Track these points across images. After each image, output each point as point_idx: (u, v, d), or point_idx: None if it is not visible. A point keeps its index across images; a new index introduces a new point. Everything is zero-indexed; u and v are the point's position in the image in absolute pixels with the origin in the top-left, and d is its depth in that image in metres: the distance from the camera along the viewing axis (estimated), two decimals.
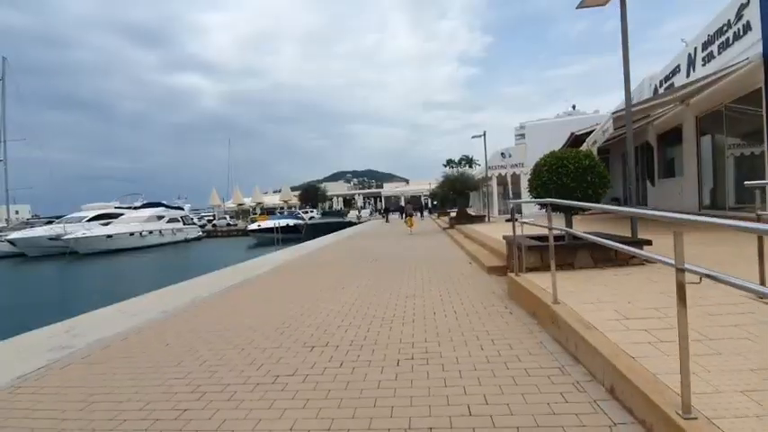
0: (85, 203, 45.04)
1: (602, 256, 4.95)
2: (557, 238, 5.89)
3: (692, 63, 10.28)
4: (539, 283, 4.34)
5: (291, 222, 32.33)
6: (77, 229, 31.13)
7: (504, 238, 6.35)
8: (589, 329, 2.90)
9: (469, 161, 68.05)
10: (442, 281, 6.35)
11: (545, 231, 5.66)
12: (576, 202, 4.25)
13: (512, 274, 4.95)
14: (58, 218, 39.15)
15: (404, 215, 25.46)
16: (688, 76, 10.38)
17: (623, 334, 2.79)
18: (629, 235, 5.64)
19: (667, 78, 11.69)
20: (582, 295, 3.72)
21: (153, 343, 4.17)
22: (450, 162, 68.75)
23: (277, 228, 24.00)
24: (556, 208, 5.51)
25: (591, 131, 13.14)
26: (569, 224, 5.51)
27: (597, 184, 5.13)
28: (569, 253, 4.98)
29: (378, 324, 4.19)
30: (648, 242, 4.89)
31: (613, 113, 8.16)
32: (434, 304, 4.87)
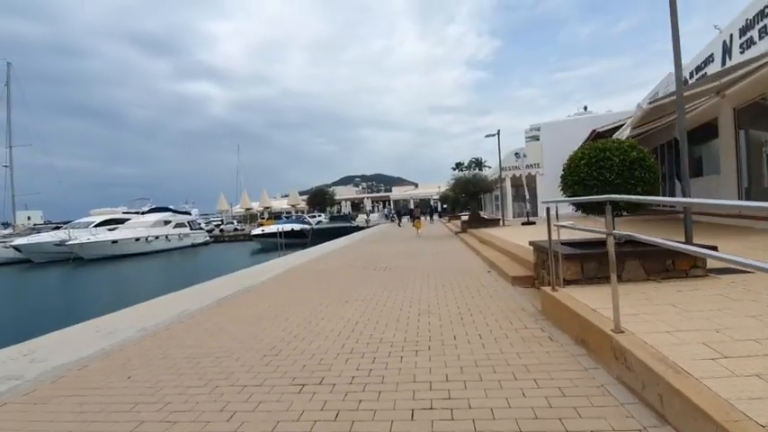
0: (104, 209, 44.89)
1: (655, 267, 4.11)
2: (594, 243, 5.08)
3: (727, 51, 9.35)
4: (583, 300, 3.53)
5: (297, 227, 31.63)
6: (83, 235, 30.87)
7: (532, 243, 5.54)
8: (679, 375, 2.08)
9: (479, 163, 66.95)
10: (460, 293, 5.54)
11: (581, 236, 4.85)
12: (655, 198, 3.42)
13: (546, 288, 4.13)
14: (66, 223, 39.08)
15: (412, 218, 25.89)
16: (723, 65, 9.45)
17: (730, 382, 1.98)
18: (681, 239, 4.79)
19: (699, 69, 10.74)
20: (649, 319, 2.90)
21: (114, 374, 3.44)
22: (459, 165, 67.72)
23: (280, 233, 23.27)
24: (593, 209, 4.72)
25: (615, 128, 12.24)
26: (612, 227, 4.68)
27: (647, 180, 4.31)
28: (616, 262, 4.14)
29: (385, 352, 3.41)
30: (714, 248, 4.03)
31: (650, 102, 7.31)
32: (453, 324, 4.07)
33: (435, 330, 3.90)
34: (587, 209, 4.78)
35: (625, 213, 4.71)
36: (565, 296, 3.73)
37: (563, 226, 3.99)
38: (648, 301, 3.35)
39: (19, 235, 35.32)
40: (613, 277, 2.75)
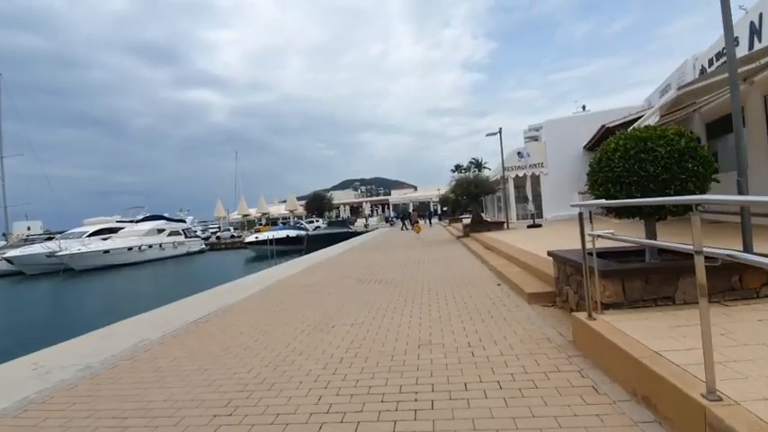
0: (98, 218, 43.97)
1: (718, 285, 3.24)
2: (628, 253, 4.22)
3: (755, 32, 8.52)
4: (635, 334, 2.66)
5: (293, 233, 30.74)
6: (74, 245, 30.02)
7: (552, 254, 4.67)
8: None
9: (478, 165, 66.07)
10: (467, 314, 4.67)
11: (611, 244, 3.99)
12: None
13: (579, 315, 3.26)
14: (61, 233, 38.26)
15: (411, 222, 26.02)
16: (751, 48, 8.62)
17: None
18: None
19: (719, 55, 9.92)
20: (747, 372, 2.02)
21: None
22: (458, 167, 66.84)
23: (271, 240, 22.33)
24: (628, 212, 3.86)
25: (627, 122, 11.40)
26: (653, 235, 3.83)
27: (701, 174, 3.45)
28: (666, 280, 3.28)
29: (373, 412, 2.53)
30: None
31: (679, 88, 6.47)
32: (462, 362, 3.20)
33: (439, 373, 3.03)
34: (621, 212, 3.92)
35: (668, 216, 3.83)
36: (607, 328, 2.85)
37: (600, 236, 3.12)
38: (730, 339, 2.47)
39: (12, 247, 34.45)
40: (703, 305, 1.87)
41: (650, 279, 3.28)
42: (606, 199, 3.63)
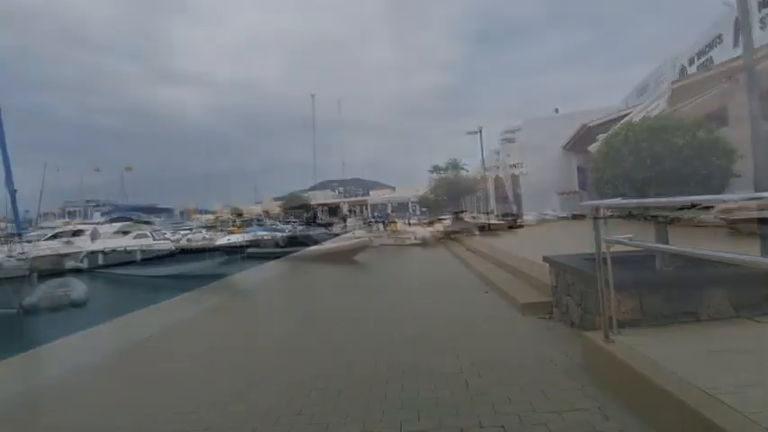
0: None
1: (747, 298, 2.80)
2: (637, 258, 3.78)
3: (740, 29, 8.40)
4: (666, 362, 2.16)
5: (267, 235, 29.62)
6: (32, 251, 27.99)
7: (548, 260, 4.19)
8: None
9: (456, 165, 66.24)
10: (457, 328, 4.11)
11: (618, 249, 3.52)
12: None
13: (593, 336, 2.75)
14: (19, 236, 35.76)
15: (387, 223, 26.62)
16: (736, 45, 8.49)
17: None
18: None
19: (701, 53, 9.81)
20: None
21: None
22: (436, 168, 66.79)
23: (243, 244, 21.23)
24: (639, 214, 3.41)
25: (610, 121, 11.21)
26: (665, 238, 3.38)
27: (724, 168, 3.02)
28: (689, 293, 2.81)
29: None
30: None
31: (673, 83, 6.16)
32: (456, 396, 2.63)
33: (429, 412, 2.44)
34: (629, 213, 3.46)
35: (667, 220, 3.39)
36: (631, 353, 2.35)
37: (618, 241, 2.61)
38: None
39: None
40: None
41: (672, 292, 2.81)
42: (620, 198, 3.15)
